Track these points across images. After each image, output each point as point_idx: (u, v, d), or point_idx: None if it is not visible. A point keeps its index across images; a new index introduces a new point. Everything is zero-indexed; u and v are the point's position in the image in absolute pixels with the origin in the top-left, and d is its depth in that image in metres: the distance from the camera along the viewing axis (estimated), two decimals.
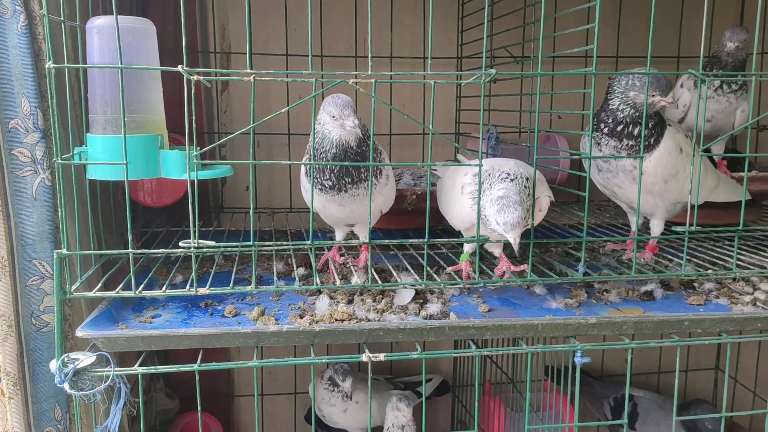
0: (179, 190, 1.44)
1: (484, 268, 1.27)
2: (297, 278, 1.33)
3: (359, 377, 1.69)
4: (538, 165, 1.14)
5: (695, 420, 1.71)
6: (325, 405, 1.67)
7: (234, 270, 1.32)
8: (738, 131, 1.51)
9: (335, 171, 1.10)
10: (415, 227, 1.59)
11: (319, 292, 1.21)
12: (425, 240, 1.10)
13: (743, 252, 1.37)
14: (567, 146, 1.76)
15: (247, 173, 1.74)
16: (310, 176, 1.14)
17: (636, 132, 1.21)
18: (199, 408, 1.05)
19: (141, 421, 1.03)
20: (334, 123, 1.07)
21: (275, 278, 1.23)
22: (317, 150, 1.10)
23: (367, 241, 1.18)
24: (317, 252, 1.35)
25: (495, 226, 1.09)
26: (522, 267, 1.22)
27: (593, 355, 2.02)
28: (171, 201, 1.45)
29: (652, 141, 1.23)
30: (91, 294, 1.02)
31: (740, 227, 1.16)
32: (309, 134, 1.09)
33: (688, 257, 1.28)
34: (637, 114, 1.20)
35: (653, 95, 1.16)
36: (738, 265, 1.25)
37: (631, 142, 1.21)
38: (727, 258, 1.28)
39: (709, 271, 1.21)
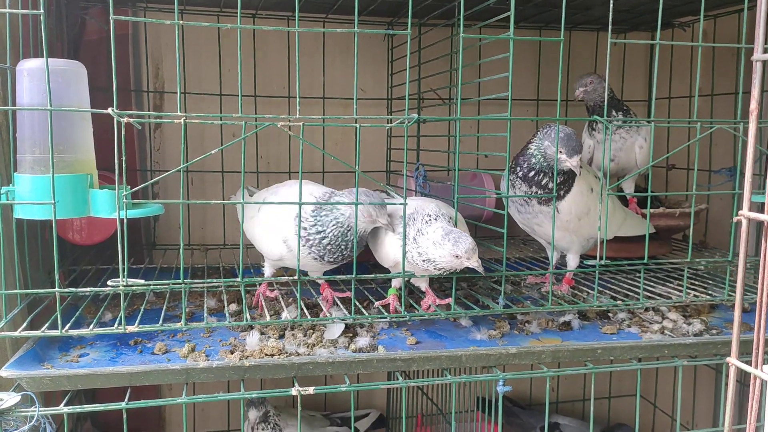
0: (110, 227, 1.43)
1: (412, 302, 1.32)
2: (228, 315, 1.34)
3: (292, 413, 1.70)
4: (465, 203, 1.20)
5: None
6: None
7: (165, 307, 1.32)
8: (644, 170, 1.61)
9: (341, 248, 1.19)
10: (346, 263, 1.63)
11: (251, 327, 1.23)
12: (353, 276, 1.14)
13: (652, 283, 1.47)
14: (493, 185, 1.85)
15: (179, 210, 1.75)
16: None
17: (544, 182, 1.28)
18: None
19: None
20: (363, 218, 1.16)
21: (206, 315, 1.25)
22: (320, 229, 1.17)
23: (322, 278, 1.25)
24: (248, 288, 1.37)
25: (451, 261, 1.15)
26: (447, 300, 1.27)
27: (519, 385, 2.12)
28: (101, 239, 1.44)
29: (562, 193, 1.32)
30: (16, 333, 1.01)
31: (645, 260, 1.25)
32: (239, 171, 1.11)
33: (602, 289, 1.36)
34: (546, 165, 1.28)
35: (561, 152, 1.24)
36: (646, 296, 1.34)
37: (540, 191, 1.29)
38: (638, 289, 1.37)
39: (619, 302, 1.30)
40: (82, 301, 1.33)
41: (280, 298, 1.32)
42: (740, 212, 0.67)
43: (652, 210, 1.55)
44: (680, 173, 1.92)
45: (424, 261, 1.17)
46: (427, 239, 1.16)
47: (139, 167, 1.78)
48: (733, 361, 0.66)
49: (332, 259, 1.20)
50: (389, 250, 1.23)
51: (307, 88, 1.84)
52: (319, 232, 1.16)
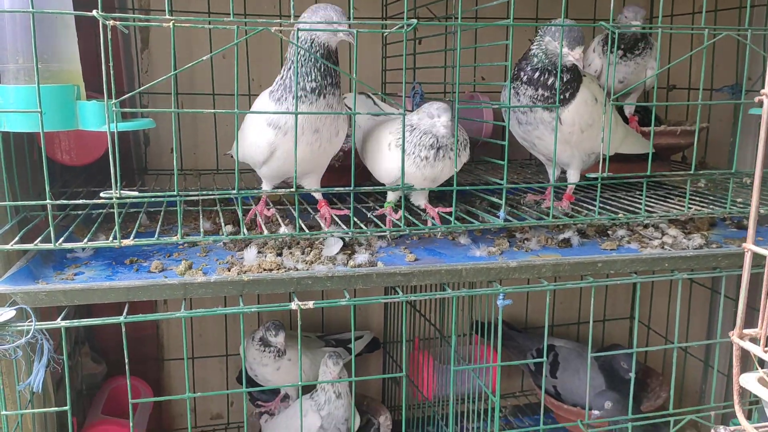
0: (99, 148, 1.40)
1: (410, 217, 1.30)
2: (225, 236, 1.33)
3: (290, 335, 1.71)
4: (466, 118, 1.17)
5: (612, 363, 1.81)
6: (258, 365, 1.68)
7: (158, 230, 1.30)
8: (646, 83, 1.58)
9: (321, 71, 1.13)
10: (342, 184, 1.61)
11: (248, 244, 1.22)
12: (351, 188, 1.12)
13: (653, 200, 1.45)
14: (492, 116, 1.81)
15: (170, 134, 1.71)
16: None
17: (550, 82, 1.25)
18: (126, 363, 1.04)
19: (66, 383, 1.02)
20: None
21: (202, 233, 1.23)
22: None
23: (320, 191, 1.24)
24: (245, 209, 1.35)
25: (427, 122, 1.20)
26: (448, 209, 1.25)
27: (516, 309, 2.13)
28: (91, 160, 1.41)
29: (567, 95, 1.28)
30: (7, 246, 0.99)
31: (648, 173, 1.23)
32: (233, 94, 1.07)
33: (602, 206, 1.34)
34: (549, 62, 1.24)
35: (564, 46, 1.20)
36: (647, 211, 1.32)
37: (546, 93, 1.26)
38: (638, 206, 1.36)
39: (620, 215, 1.28)
40: (73, 222, 1.30)
41: (277, 216, 1.30)
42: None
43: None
44: (681, 93, 1.89)
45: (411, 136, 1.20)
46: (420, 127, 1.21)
47: (127, 90, 1.72)
48: (750, 246, 0.65)
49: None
50: (388, 166, 1.22)
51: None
52: None
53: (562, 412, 1.88)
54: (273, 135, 1.17)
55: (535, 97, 1.27)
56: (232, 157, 1.36)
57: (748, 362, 0.68)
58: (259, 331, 1.66)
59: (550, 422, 2.03)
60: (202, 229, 1.23)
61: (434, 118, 1.19)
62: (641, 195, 1.31)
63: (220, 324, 1.88)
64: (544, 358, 1.25)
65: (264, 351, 1.65)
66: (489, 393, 1.31)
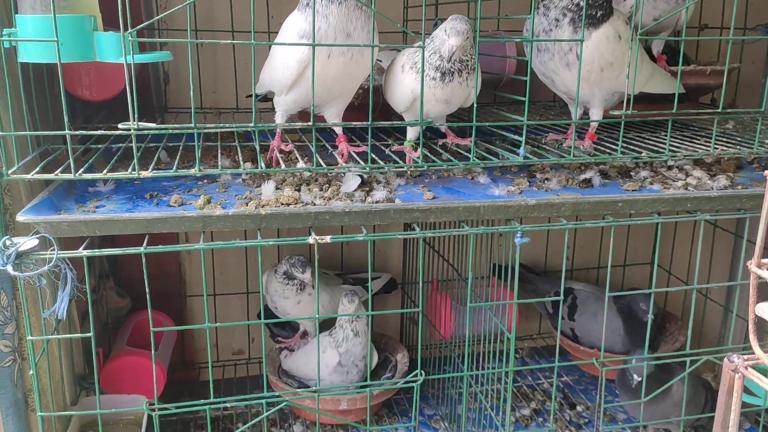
0: (119, 83, 1.40)
1: (429, 155, 1.29)
2: (243, 173, 1.33)
3: None
4: (486, 53, 1.14)
5: (630, 305, 1.81)
6: (279, 298, 1.70)
7: (176, 164, 1.30)
8: (678, 21, 1.52)
9: None
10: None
11: (266, 178, 1.22)
12: (369, 123, 1.11)
13: (678, 142, 1.42)
14: (515, 51, 1.76)
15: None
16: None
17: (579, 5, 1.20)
18: (147, 293, 1.06)
19: (90, 312, 1.04)
20: None
21: (220, 165, 1.23)
22: None
23: (339, 125, 1.22)
24: (262, 144, 1.34)
25: (441, 36, 1.18)
26: (467, 140, 1.24)
27: (535, 252, 2.12)
28: (110, 95, 1.41)
29: (598, 15, 1.23)
30: (29, 176, 1.00)
31: (674, 110, 1.20)
32: (249, 31, 1.05)
33: (625, 146, 1.32)
34: None
35: None
36: (672, 150, 1.29)
37: (572, 16, 1.21)
38: (662, 147, 1.33)
39: (644, 154, 1.26)
40: (92, 156, 1.30)
41: (296, 153, 1.29)
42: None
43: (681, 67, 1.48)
44: (713, 33, 1.82)
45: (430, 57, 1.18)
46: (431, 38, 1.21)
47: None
48: None
49: None
50: (402, 88, 1.22)
51: None
52: None
53: (578, 353, 1.89)
54: (304, 51, 1.12)
55: (565, 13, 1.22)
56: (257, 96, 1.36)
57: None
58: (282, 266, 1.68)
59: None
60: (220, 164, 1.23)
61: (445, 38, 1.17)
62: (666, 136, 1.28)
63: (240, 261, 1.90)
64: (561, 295, 1.25)
65: (287, 284, 1.67)
66: (505, 330, 1.32)
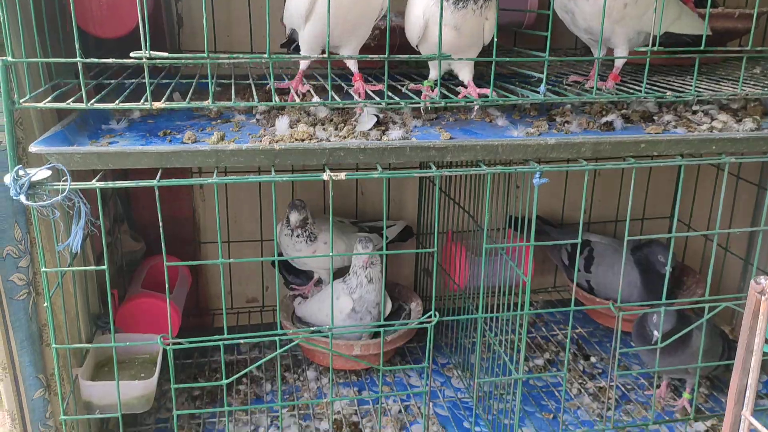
0: (131, 19, 1.37)
1: (447, 94, 1.26)
2: (258, 113, 1.31)
3: (324, 219, 1.71)
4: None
5: (648, 257, 1.79)
6: (292, 251, 1.69)
7: (189, 97, 1.28)
8: None
9: None
10: (379, 67, 1.56)
11: (281, 112, 1.20)
12: (386, 56, 1.08)
13: (704, 85, 1.38)
14: None
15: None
16: None
17: None
18: (161, 227, 1.05)
19: (104, 244, 1.04)
20: None
21: (234, 102, 1.21)
22: None
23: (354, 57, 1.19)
24: (278, 87, 1.32)
25: None
26: (485, 90, 1.21)
27: (552, 204, 2.10)
28: (123, 32, 1.37)
29: None
30: (41, 105, 0.99)
31: (702, 48, 1.16)
32: None
33: (649, 88, 1.28)
34: None
35: None
36: (697, 90, 1.25)
37: None
38: (688, 89, 1.28)
39: (668, 93, 1.22)
40: (105, 90, 1.29)
41: (312, 92, 1.27)
42: None
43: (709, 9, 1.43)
44: None
45: None
46: None
47: None
48: None
49: None
50: (415, 17, 1.19)
51: None
52: None
53: (594, 305, 1.88)
54: None
55: None
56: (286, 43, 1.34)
57: None
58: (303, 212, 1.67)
59: (582, 317, 2.04)
60: (234, 97, 1.21)
61: None
62: (693, 80, 1.24)
63: (254, 209, 1.89)
64: (579, 236, 1.22)
65: (298, 236, 1.66)
66: (521, 273, 1.30)
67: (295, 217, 1.63)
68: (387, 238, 1.82)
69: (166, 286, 1.11)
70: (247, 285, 1.99)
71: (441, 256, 1.91)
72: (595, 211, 2.14)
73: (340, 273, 1.71)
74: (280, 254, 1.75)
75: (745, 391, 0.59)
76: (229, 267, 1.94)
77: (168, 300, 1.16)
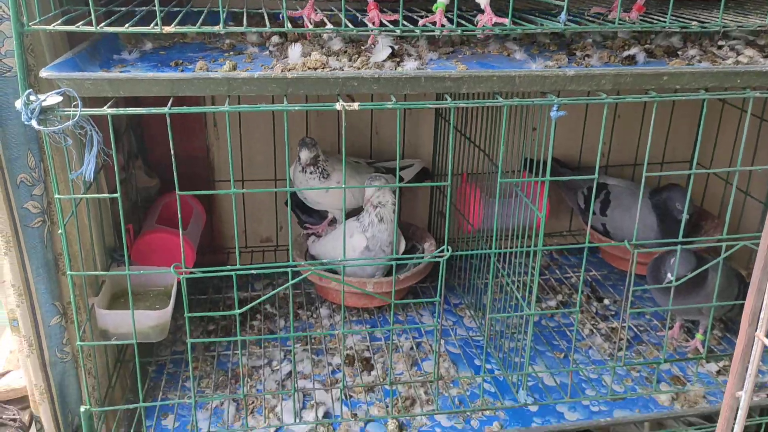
0: None
1: (462, 21, 1.22)
2: (270, 46, 1.29)
3: (338, 159, 1.70)
4: None
5: (666, 202, 1.76)
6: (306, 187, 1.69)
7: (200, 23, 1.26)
8: None
9: None
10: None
11: (292, 46, 1.18)
12: None
13: (731, 17, 1.33)
14: None
15: None
16: None
17: None
18: (172, 154, 1.05)
19: (117, 185, 1.03)
20: None
21: (245, 28, 1.18)
22: None
23: None
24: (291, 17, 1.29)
25: None
26: (504, 20, 1.17)
27: (569, 149, 2.06)
28: None
29: None
30: (50, 27, 0.98)
31: None
32: None
33: (674, 19, 1.24)
34: None
35: None
36: (724, 21, 1.21)
37: None
38: (715, 21, 1.24)
39: (694, 23, 1.18)
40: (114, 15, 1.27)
41: (326, 20, 1.24)
42: None
43: None
44: None
45: None
46: None
47: None
48: None
49: None
50: None
51: None
52: None
53: (609, 248, 1.86)
54: None
55: None
56: None
57: None
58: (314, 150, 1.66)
59: (596, 260, 2.03)
60: (246, 23, 1.18)
61: None
62: (719, 12, 1.20)
63: (268, 148, 1.88)
64: (596, 172, 1.20)
65: (311, 174, 1.65)
66: (535, 209, 1.29)
67: (305, 154, 1.62)
68: (403, 179, 1.82)
69: (179, 216, 1.11)
70: (261, 224, 1.99)
71: (455, 197, 1.90)
72: (613, 156, 2.11)
73: (355, 214, 1.71)
74: (294, 194, 1.75)
75: (760, 312, 0.58)
76: (243, 205, 1.94)
77: (181, 233, 1.16)
